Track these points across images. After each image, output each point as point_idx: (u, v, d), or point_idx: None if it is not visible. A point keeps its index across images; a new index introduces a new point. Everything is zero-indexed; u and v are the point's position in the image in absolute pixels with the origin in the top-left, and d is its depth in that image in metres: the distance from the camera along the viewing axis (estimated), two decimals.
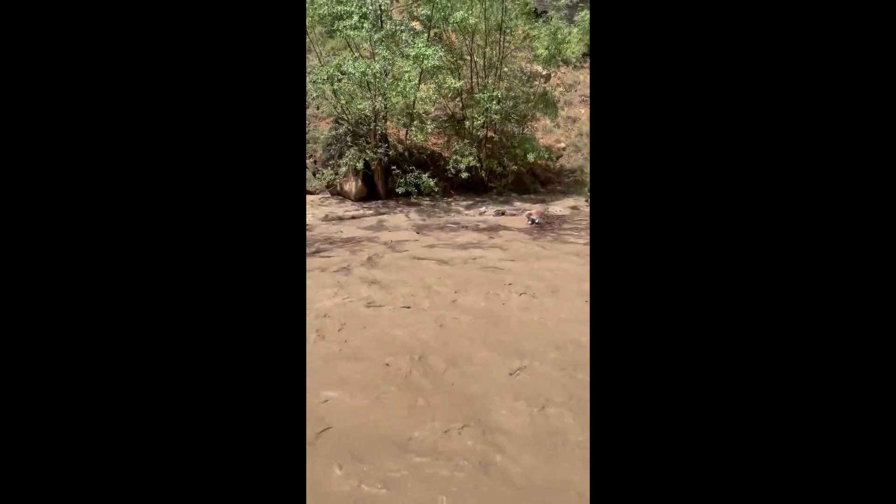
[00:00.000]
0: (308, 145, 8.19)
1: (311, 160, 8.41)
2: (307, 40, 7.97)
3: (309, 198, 8.06)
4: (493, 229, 6.19)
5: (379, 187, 7.96)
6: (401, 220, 6.69)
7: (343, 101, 7.54)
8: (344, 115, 7.77)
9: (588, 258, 4.50)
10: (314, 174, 8.30)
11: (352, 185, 7.87)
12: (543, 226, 6.37)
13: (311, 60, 7.75)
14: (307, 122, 8.76)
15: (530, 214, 6.61)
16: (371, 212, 7.20)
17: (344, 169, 7.65)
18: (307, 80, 7.82)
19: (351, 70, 6.82)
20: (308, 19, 7.23)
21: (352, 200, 7.81)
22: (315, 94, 7.92)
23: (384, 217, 6.92)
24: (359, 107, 7.38)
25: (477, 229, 6.18)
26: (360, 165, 7.53)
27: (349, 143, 7.71)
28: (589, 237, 5.39)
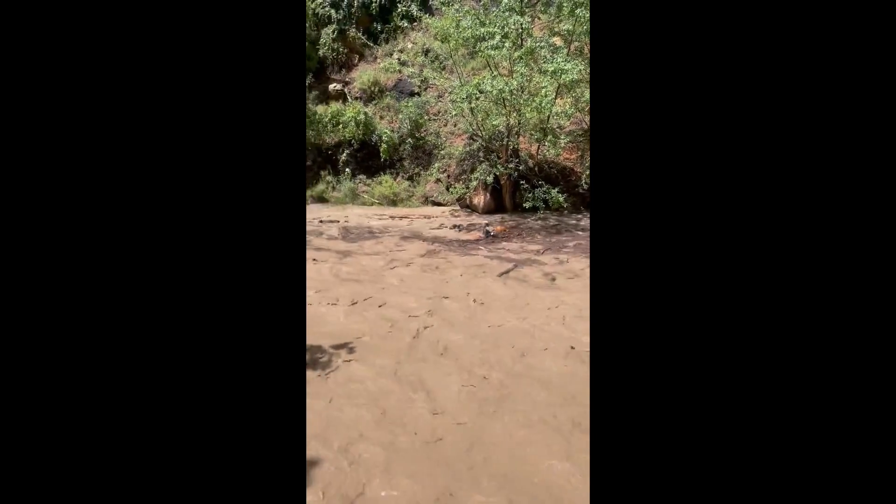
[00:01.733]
0: (443, 161, 8.64)
1: (446, 175, 8.84)
2: (451, 61, 8.51)
3: (439, 209, 8.47)
4: (416, 239, 6.05)
5: (506, 201, 7.98)
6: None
7: (479, 118, 7.80)
8: (479, 132, 8.02)
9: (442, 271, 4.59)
10: (447, 188, 8.70)
11: (480, 199, 8.03)
12: (493, 238, 6.28)
13: (453, 81, 8.22)
14: (444, 139, 9.28)
15: (487, 226, 6.58)
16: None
17: (474, 183, 7.86)
18: (448, 98, 8.29)
19: (489, 89, 7.02)
20: (453, 43, 7.72)
21: (478, 213, 7.96)
22: (454, 113, 8.34)
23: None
24: (493, 123, 7.54)
25: (401, 238, 6.13)
26: (489, 179, 7.66)
27: (481, 159, 7.91)
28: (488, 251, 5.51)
